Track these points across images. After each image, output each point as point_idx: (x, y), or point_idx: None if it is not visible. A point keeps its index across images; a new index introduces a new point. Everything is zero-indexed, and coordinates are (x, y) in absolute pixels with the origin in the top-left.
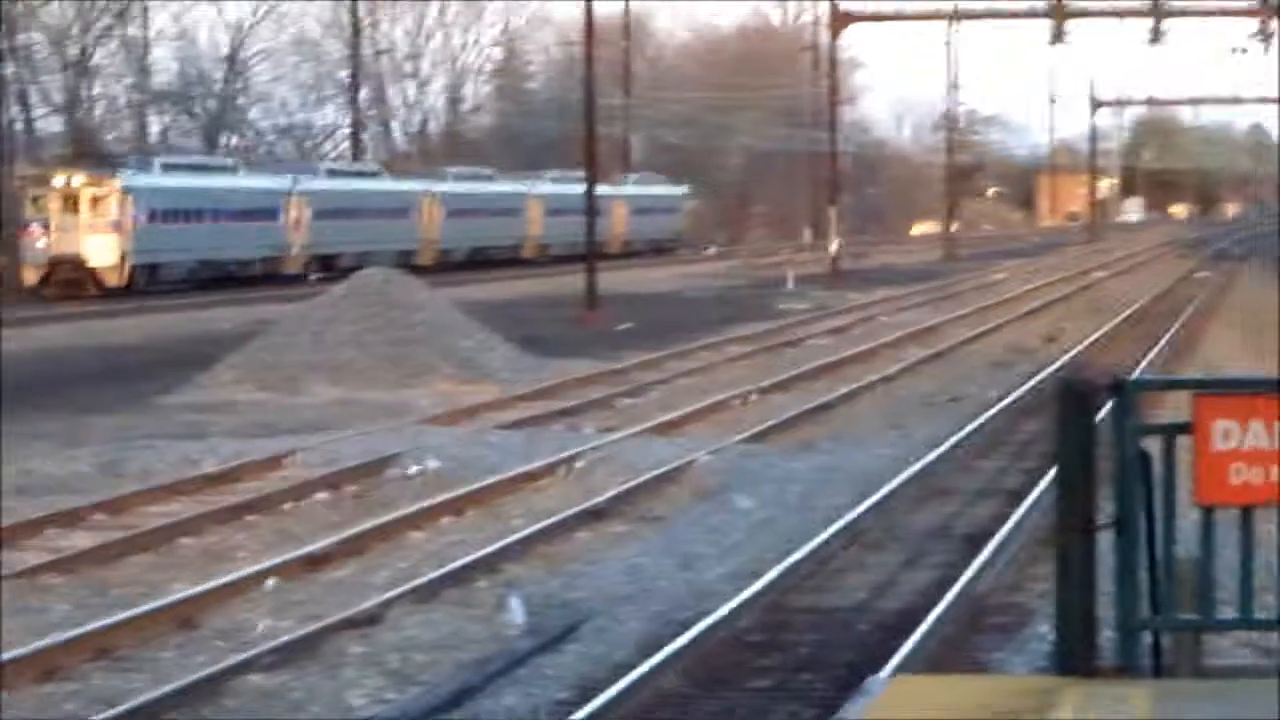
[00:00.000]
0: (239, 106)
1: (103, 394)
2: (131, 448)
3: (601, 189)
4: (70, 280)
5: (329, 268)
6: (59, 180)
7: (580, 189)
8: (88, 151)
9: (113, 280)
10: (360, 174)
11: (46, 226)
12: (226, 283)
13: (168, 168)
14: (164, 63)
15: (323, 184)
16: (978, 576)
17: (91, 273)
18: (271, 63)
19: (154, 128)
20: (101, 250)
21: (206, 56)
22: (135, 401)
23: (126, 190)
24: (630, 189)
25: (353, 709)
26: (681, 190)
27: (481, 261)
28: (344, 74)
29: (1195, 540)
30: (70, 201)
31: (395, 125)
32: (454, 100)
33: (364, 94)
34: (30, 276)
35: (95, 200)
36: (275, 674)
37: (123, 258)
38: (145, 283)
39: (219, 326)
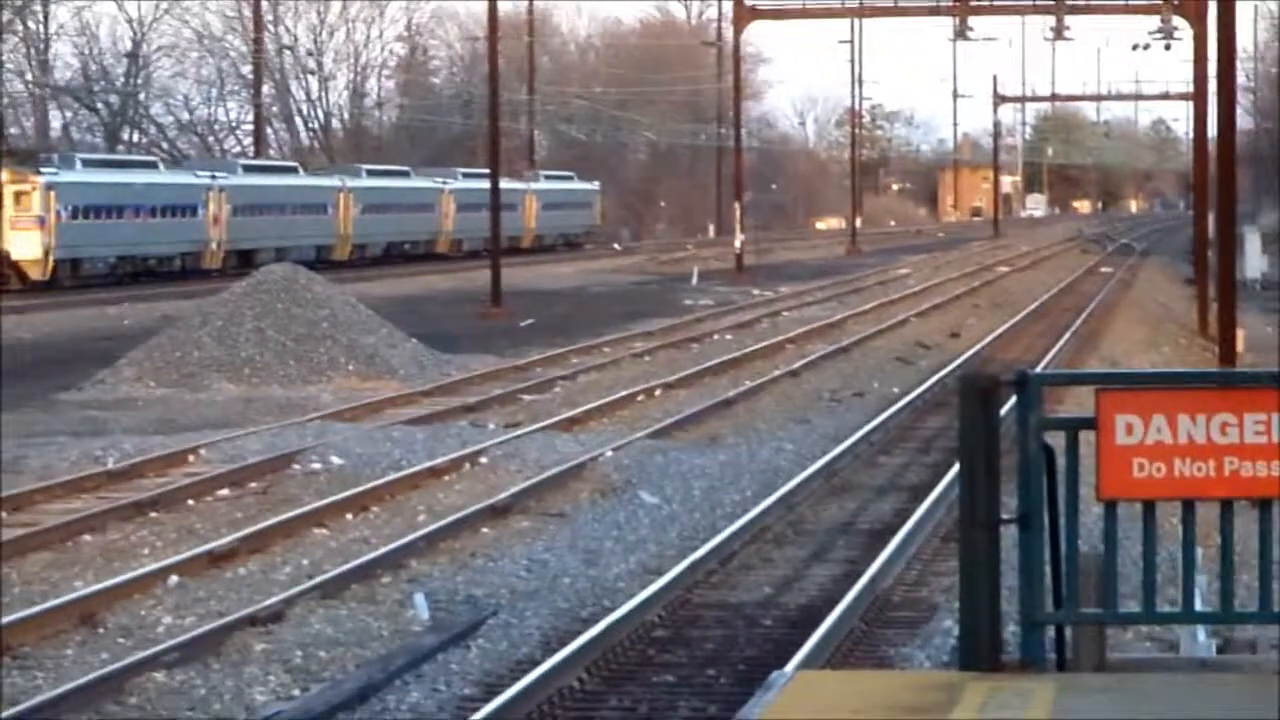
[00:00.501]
0: (141, 102)
1: (4, 390)
2: (32, 444)
3: (514, 184)
4: None
5: (248, 262)
6: None
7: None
8: (10, 148)
9: (35, 274)
10: (278, 169)
11: None
12: (145, 278)
13: (89, 164)
14: (65, 58)
15: (241, 180)
16: (882, 572)
17: (15, 266)
18: (174, 58)
19: (55, 123)
20: (25, 245)
21: (108, 52)
22: (36, 398)
23: (50, 186)
24: (542, 184)
25: (257, 705)
26: (593, 185)
27: (396, 256)
28: (246, 70)
29: (1098, 535)
30: None
31: (299, 121)
32: (358, 96)
33: (267, 90)
34: None
35: (19, 195)
36: (178, 671)
37: (46, 252)
38: (67, 277)
39: (121, 323)
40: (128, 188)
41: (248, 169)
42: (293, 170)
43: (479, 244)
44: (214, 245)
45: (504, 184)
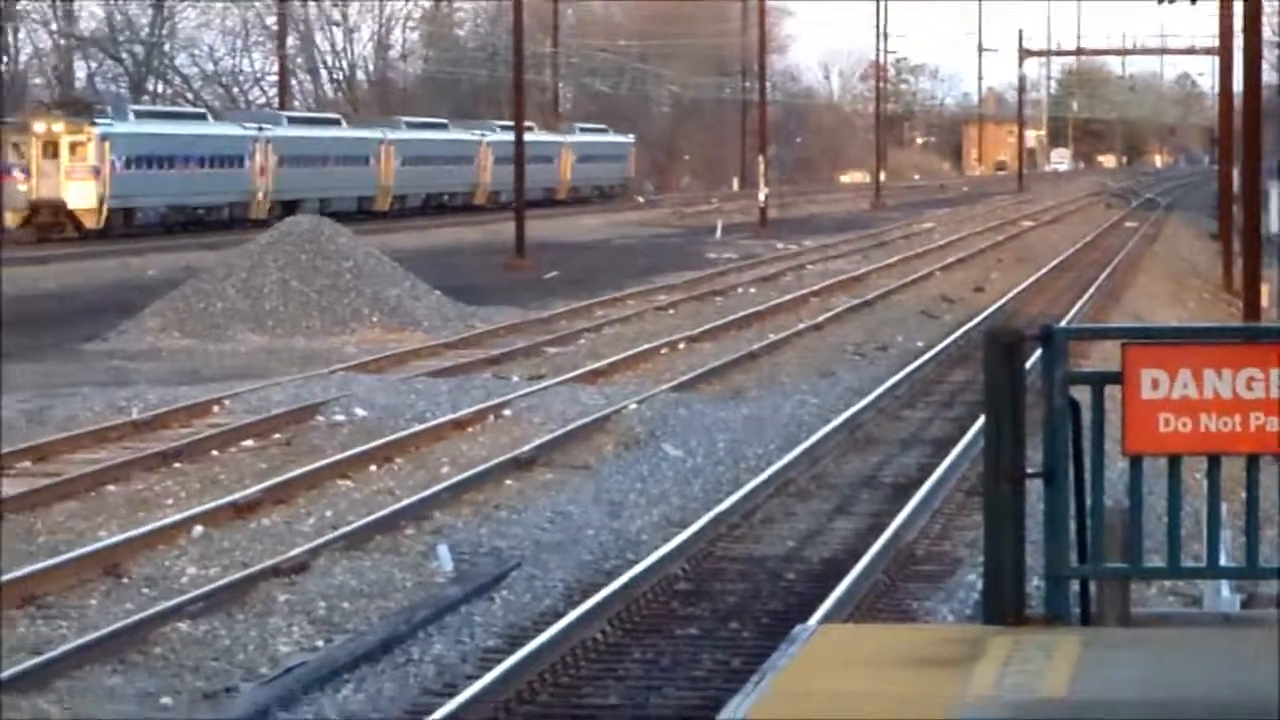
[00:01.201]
0: (166, 53)
1: (29, 341)
2: (57, 395)
3: (549, 137)
4: (49, 223)
5: (291, 212)
6: (39, 126)
7: (531, 138)
8: (67, 99)
9: (90, 223)
10: (322, 121)
11: (27, 171)
12: (194, 226)
13: (142, 115)
14: (90, 8)
15: (286, 131)
16: (905, 526)
17: (71, 215)
18: (198, 9)
19: (80, 74)
20: (80, 194)
21: (133, 2)
22: (61, 348)
23: (104, 137)
24: (576, 137)
25: (280, 656)
26: (627, 138)
27: (435, 208)
28: (271, 21)
29: (1123, 489)
30: (50, 147)
31: (323, 73)
32: (382, 48)
33: (291, 41)
34: (11, 219)
35: (74, 146)
36: (202, 621)
37: (100, 202)
38: (120, 226)
39: (145, 273)
40: (178, 139)
41: (293, 120)
42: (335, 122)
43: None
44: (260, 195)
45: (539, 137)
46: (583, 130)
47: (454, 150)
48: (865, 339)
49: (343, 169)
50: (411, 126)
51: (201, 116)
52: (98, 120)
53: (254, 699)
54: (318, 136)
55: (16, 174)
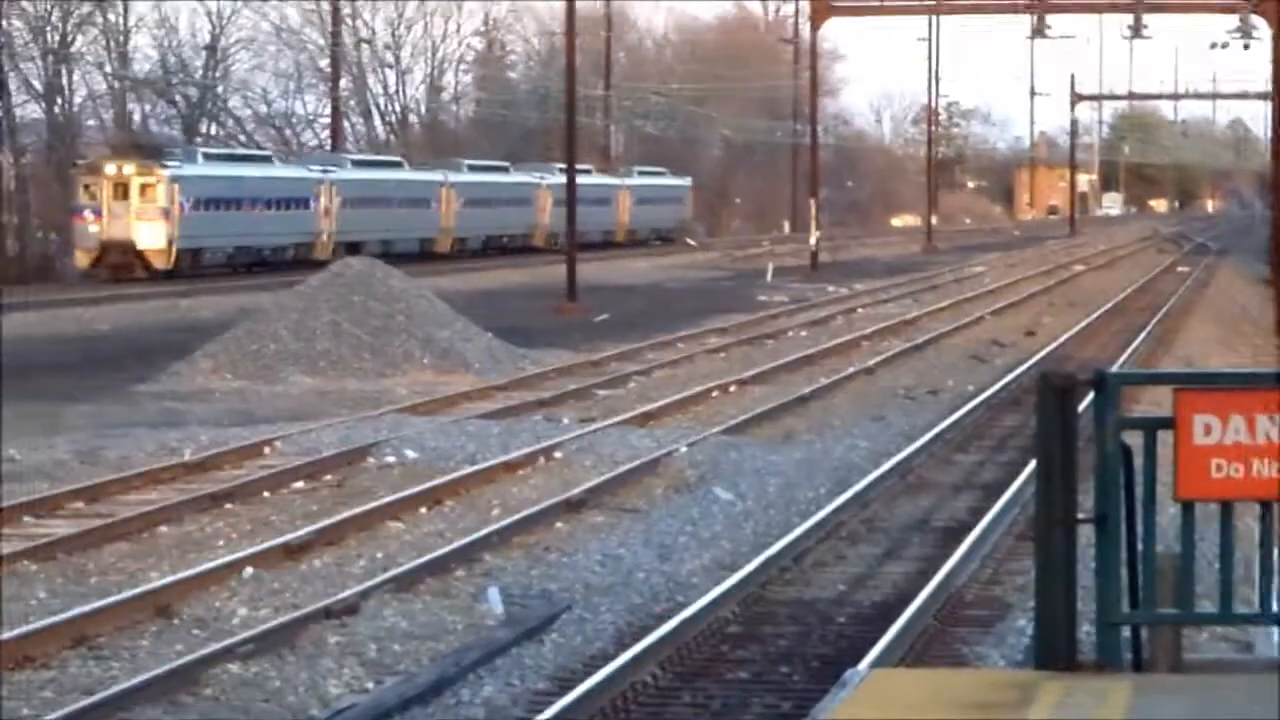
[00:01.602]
0: (219, 95)
1: (82, 381)
2: (110, 436)
3: (608, 180)
4: (120, 264)
5: (355, 253)
6: (110, 168)
7: (589, 181)
8: (137, 141)
9: (160, 264)
10: (384, 164)
11: (98, 212)
12: (259, 268)
13: (210, 157)
14: (144, 50)
15: (350, 174)
16: (956, 570)
17: (140, 256)
18: (252, 51)
19: (135, 116)
20: (150, 235)
21: (187, 44)
22: (114, 390)
23: (174, 179)
24: (635, 179)
25: (330, 698)
26: (685, 181)
27: (495, 249)
28: (324, 63)
29: (1175, 535)
30: (121, 189)
31: (375, 115)
32: (434, 90)
33: (344, 83)
34: (82, 260)
35: (144, 188)
36: (253, 663)
37: (170, 243)
38: (189, 266)
39: (198, 315)
40: (245, 181)
41: (356, 163)
42: (398, 165)
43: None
44: (324, 237)
45: (597, 179)
46: (641, 173)
47: (514, 193)
48: (916, 383)
49: (405, 211)
50: (473, 169)
51: (267, 159)
52: (167, 162)
53: None
54: (381, 179)
55: (87, 215)
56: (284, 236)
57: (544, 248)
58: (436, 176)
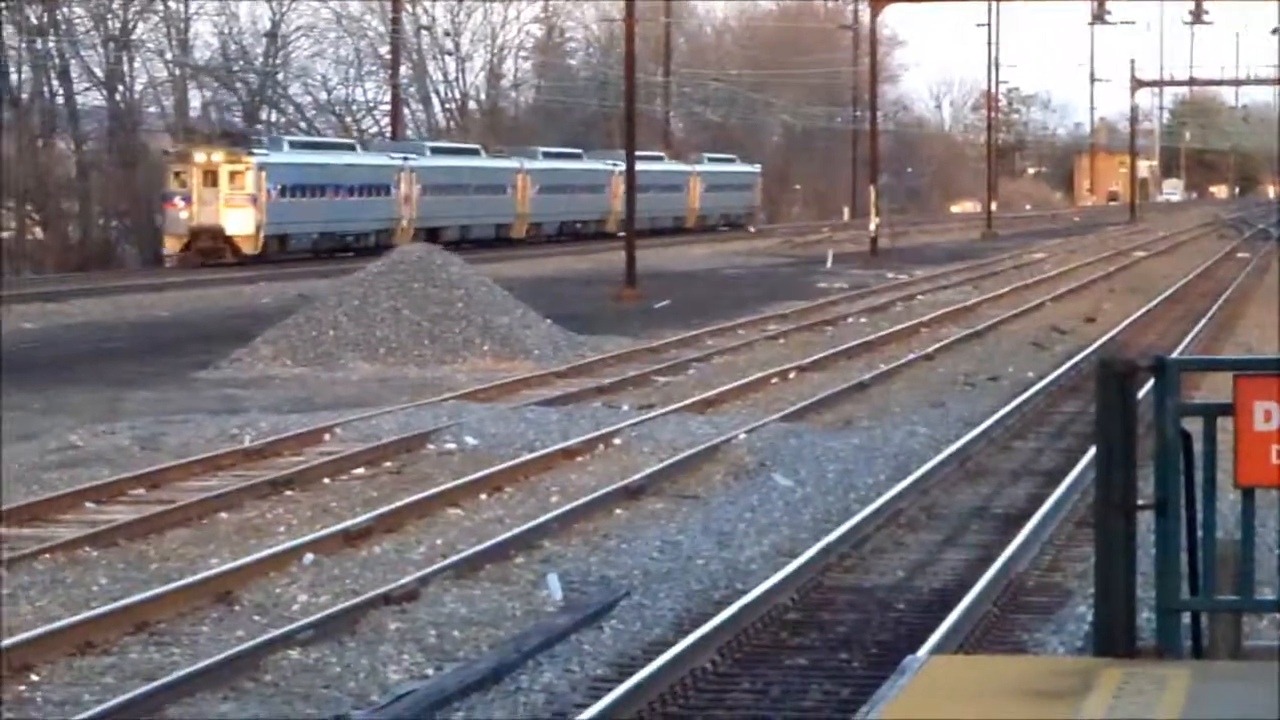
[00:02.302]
0: (279, 82)
1: (143, 368)
2: (170, 422)
3: (679, 166)
4: (209, 249)
5: (434, 239)
6: (200, 156)
7: (661, 168)
8: (226, 130)
9: (248, 249)
10: (462, 151)
11: (188, 199)
12: (341, 253)
13: (295, 145)
14: (205, 37)
15: (429, 161)
16: (1015, 557)
17: (229, 241)
18: (312, 38)
19: (194, 102)
20: (238, 221)
21: (247, 32)
22: (174, 376)
23: (261, 166)
24: (705, 166)
25: (390, 684)
26: (755, 168)
27: (568, 235)
28: (384, 50)
29: (1235, 521)
30: (210, 176)
31: (435, 102)
32: (494, 77)
33: (404, 70)
34: (172, 245)
35: (233, 175)
36: (313, 649)
37: (258, 228)
38: (275, 252)
39: (259, 301)
40: (329, 168)
41: (435, 151)
42: (475, 152)
43: (645, 223)
44: (404, 223)
45: (669, 166)
46: (711, 159)
47: (587, 179)
48: (976, 369)
49: (482, 197)
50: (547, 156)
51: (350, 147)
52: (255, 150)
53: None
54: (458, 166)
55: (178, 201)
56: (366, 223)
57: (617, 233)
58: (512, 164)
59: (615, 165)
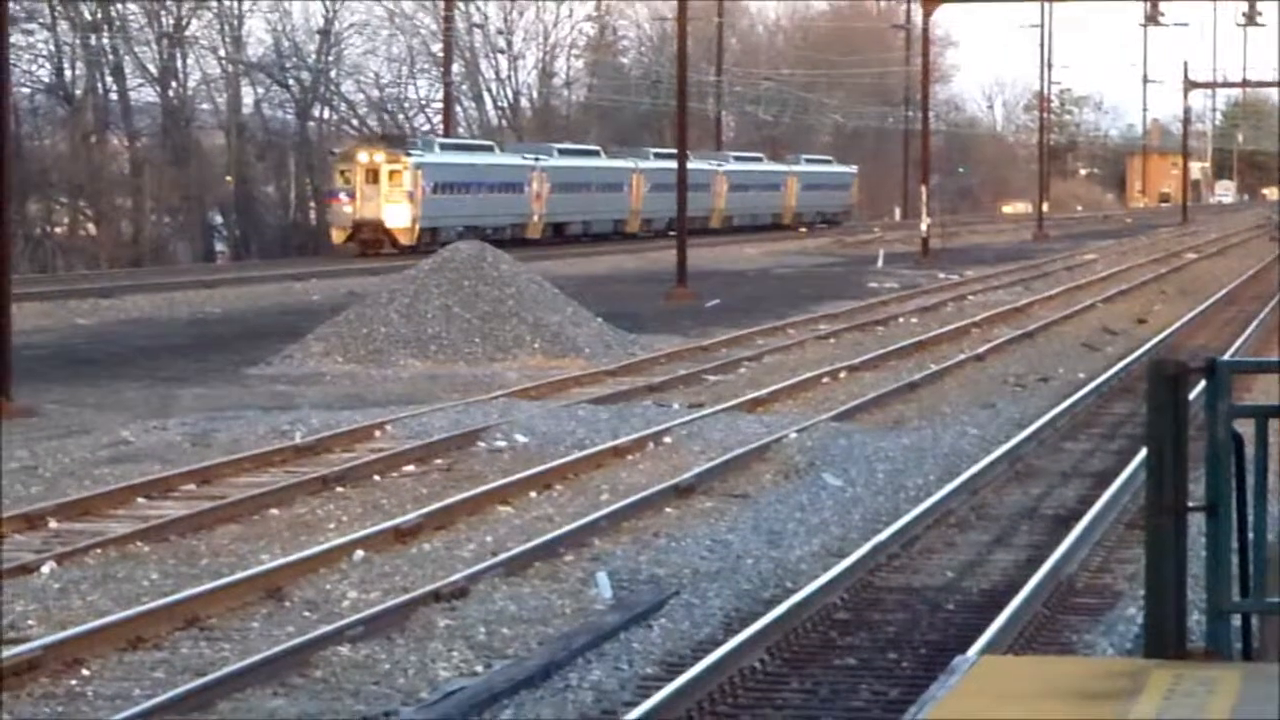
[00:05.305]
0: (332, 79)
1: (195, 364)
2: (222, 418)
3: (777, 166)
4: (370, 240)
5: (560, 234)
6: (363, 156)
7: (760, 168)
8: (386, 133)
9: (405, 240)
10: (585, 152)
11: (352, 195)
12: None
13: (445, 147)
14: (258, 34)
15: (558, 161)
16: (1065, 558)
17: (389, 233)
18: (364, 36)
19: (247, 99)
20: (397, 215)
21: (300, 29)
22: (226, 372)
23: (417, 165)
24: (803, 166)
25: (440, 681)
26: (851, 169)
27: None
28: (437, 48)
29: None
30: (372, 174)
31: (487, 100)
32: (546, 75)
33: (456, 68)
34: (337, 237)
35: (392, 174)
36: (363, 645)
37: (414, 222)
38: (428, 243)
39: (309, 298)
40: (474, 167)
41: (562, 152)
42: (595, 153)
43: (746, 220)
44: (535, 218)
45: (770, 166)
46: (808, 160)
47: (694, 179)
48: (1026, 370)
49: (602, 195)
50: (659, 157)
51: (489, 148)
52: (411, 151)
53: None
54: (582, 166)
55: (342, 197)
56: (503, 218)
57: (720, 228)
58: (629, 164)
59: (719, 165)
